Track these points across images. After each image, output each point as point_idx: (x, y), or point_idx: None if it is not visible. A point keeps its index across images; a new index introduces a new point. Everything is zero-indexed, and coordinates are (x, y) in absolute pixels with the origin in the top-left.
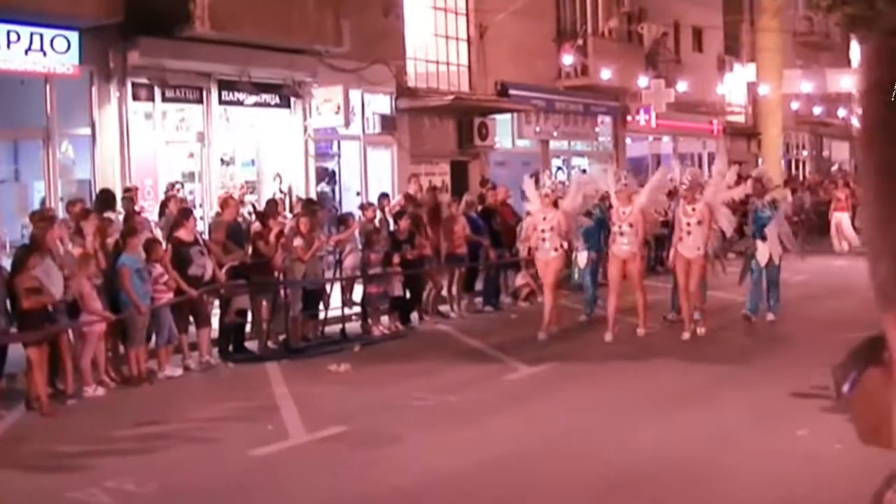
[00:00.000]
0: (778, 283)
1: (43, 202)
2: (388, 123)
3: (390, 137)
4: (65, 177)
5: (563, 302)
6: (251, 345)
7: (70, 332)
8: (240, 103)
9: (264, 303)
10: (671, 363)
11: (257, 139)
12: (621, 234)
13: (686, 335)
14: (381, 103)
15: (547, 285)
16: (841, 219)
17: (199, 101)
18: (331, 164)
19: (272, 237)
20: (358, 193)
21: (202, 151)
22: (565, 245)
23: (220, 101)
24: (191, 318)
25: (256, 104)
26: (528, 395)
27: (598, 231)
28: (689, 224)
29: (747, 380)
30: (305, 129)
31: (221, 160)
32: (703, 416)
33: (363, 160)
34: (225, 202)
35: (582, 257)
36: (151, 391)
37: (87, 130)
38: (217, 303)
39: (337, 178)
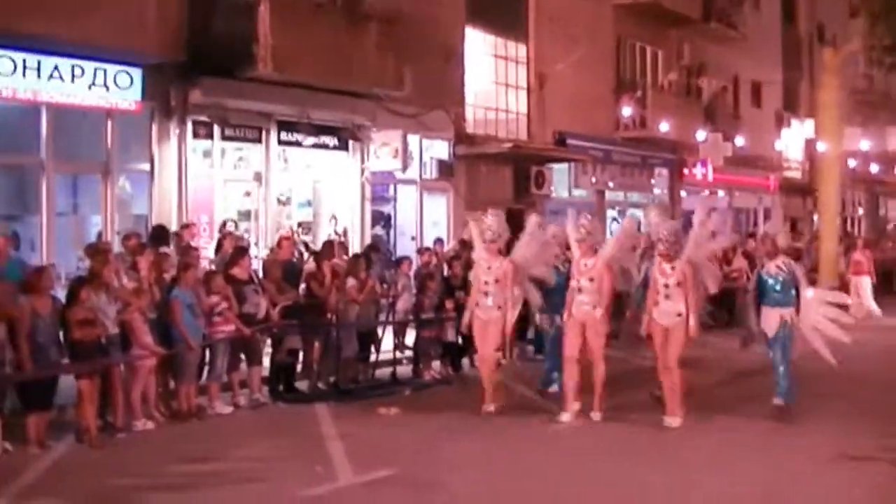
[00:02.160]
0: (783, 361)
1: (99, 236)
2: (445, 169)
3: (447, 183)
4: (122, 211)
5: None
6: (301, 385)
7: (122, 365)
8: (298, 144)
9: (316, 343)
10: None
11: (314, 180)
12: (580, 290)
13: (669, 421)
14: (438, 149)
15: (481, 356)
16: (859, 282)
17: (258, 140)
18: (387, 208)
19: (327, 278)
20: (413, 238)
21: (259, 190)
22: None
23: (279, 142)
24: (242, 356)
25: (315, 145)
26: (576, 445)
27: (564, 291)
28: (666, 286)
29: None
30: (363, 172)
31: (278, 200)
32: None
33: (419, 205)
34: (280, 242)
35: (541, 319)
36: (200, 427)
37: (145, 166)
38: (269, 341)
39: (392, 221)
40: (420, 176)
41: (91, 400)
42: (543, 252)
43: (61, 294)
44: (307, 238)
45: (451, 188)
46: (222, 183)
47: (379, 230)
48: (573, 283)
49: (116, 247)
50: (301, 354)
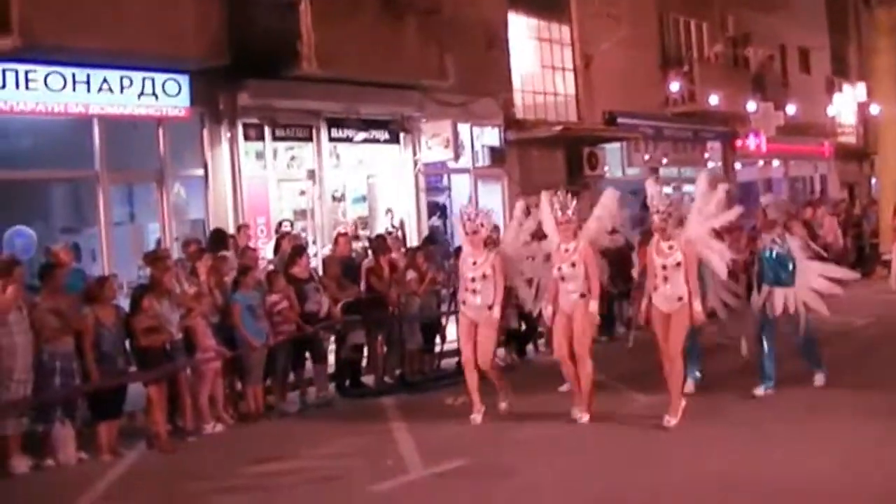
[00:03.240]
0: (813, 338)
1: (158, 243)
2: (497, 156)
3: (500, 170)
4: (179, 217)
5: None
6: (367, 379)
7: (188, 369)
8: (349, 140)
9: (380, 337)
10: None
11: (367, 175)
12: (563, 278)
13: (669, 419)
14: (489, 136)
15: (466, 359)
16: None
17: (309, 138)
18: (441, 198)
19: (385, 272)
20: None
21: (313, 189)
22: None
23: (330, 139)
24: (307, 354)
25: (366, 140)
26: (646, 427)
27: None
28: (664, 267)
29: None
30: (415, 164)
31: (333, 197)
32: None
33: (474, 193)
34: (337, 239)
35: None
36: (269, 427)
37: (199, 171)
38: (333, 339)
39: (448, 211)
40: (473, 164)
41: (160, 406)
42: (533, 243)
43: (124, 303)
44: (366, 233)
45: (505, 174)
46: (276, 183)
47: (435, 220)
48: (555, 272)
49: (175, 253)
50: (365, 349)
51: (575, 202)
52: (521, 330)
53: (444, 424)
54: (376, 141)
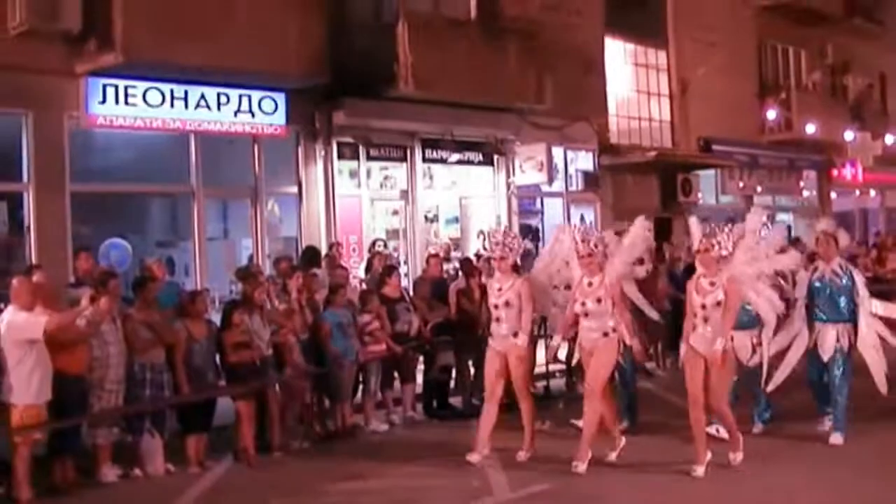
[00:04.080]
0: (844, 386)
1: (251, 259)
2: (590, 180)
3: (593, 194)
4: (272, 234)
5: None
6: (455, 401)
7: (277, 385)
8: (443, 161)
9: (468, 360)
10: None
11: (460, 196)
12: (586, 314)
13: (698, 470)
14: (583, 160)
15: (489, 391)
16: None
17: (403, 159)
18: (534, 221)
19: (476, 294)
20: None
21: (406, 209)
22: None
23: (424, 160)
24: (395, 374)
25: (459, 162)
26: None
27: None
28: (704, 306)
29: None
30: (509, 187)
31: (425, 217)
32: None
33: (566, 217)
34: (428, 259)
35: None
36: (356, 446)
37: (293, 189)
38: (421, 359)
39: (540, 235)
40: (566, 188)
41: (249, 420)
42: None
43: (216, 318)
44: (457, 254)
45: (598, 199)
46: (369, 202)
47: (527, 244)
48: (577, 307)
49: (267, 270)
50: (454, 371)
51: (600, 234)
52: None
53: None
54: (470, 162)
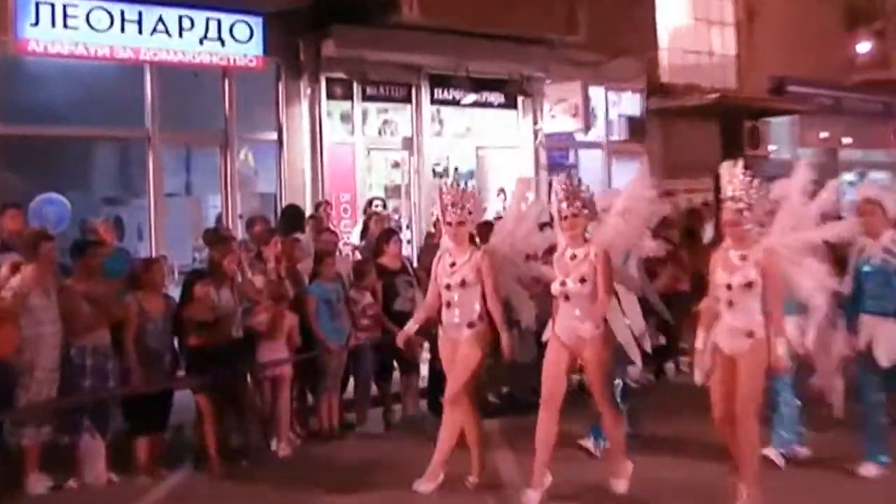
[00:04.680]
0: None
1: (219, 220)
2: (636, 128)
3: (639, 145)
4: (245, 190)
5: None
6: None
7: (248, 376)
8: (456, 103)
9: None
10: None
11: (476, 146)
12: (566, 297)
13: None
14: (627, 103)
15: (449, 395)
16: None
17: (407, 100)
18: None
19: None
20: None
21: (410, 160)
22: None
23: (433, 101)
24: (395, 364)
25: (476, 104)
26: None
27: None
28: (730, 286)
29: None
30: (536, 135)
31: (433, 171)
32: None
33: (606, 173)
34: (436, 223)
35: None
36: (345, 450)
37: (271, 135)
38: (427, 345)
39: None
40: (606, 137)
41: (212, 419)
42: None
43: (175, 291)
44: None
45: (645, 151)
46: (365, 152)
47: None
48: (556, 288)
49: (239, 233)
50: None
51: (587, 187)
52: (661, 344)
53: (561, 455)
54: (489, 105)
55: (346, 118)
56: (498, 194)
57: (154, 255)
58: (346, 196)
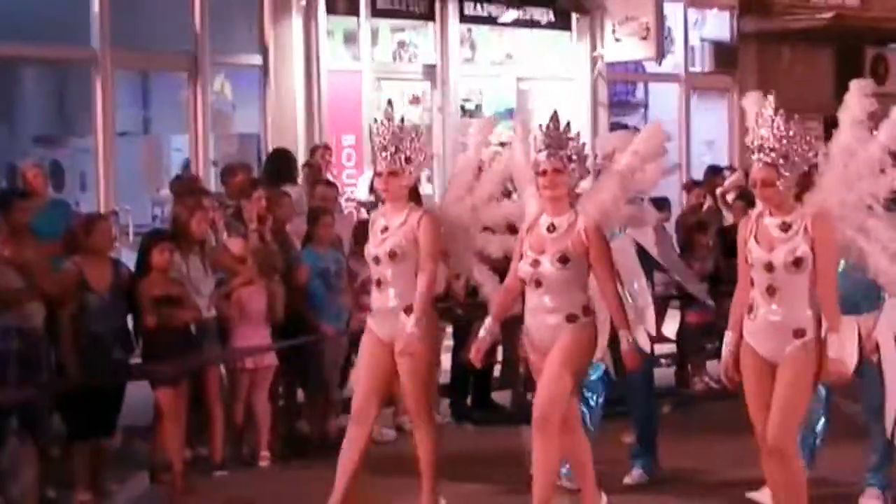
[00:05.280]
0: None
1: (186, 167)
2: (724, 57)
3: (728, 78)
4: (220, 129)
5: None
6: (501, 396)
7: (221, 366)
8: (492, 21)
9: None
10: None
11: (518, 77)
12: (538, 282)
13: None
14: (714, 24)
15: (356, 410)
16: None
17: (429, 16)
18: (633, 119)
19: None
20: (674, 166)
21: (432, 95)
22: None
23: (462, 18)
24: None
25: (517, 23)
26: None
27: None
28: (771, 267)
29: None
30: (595, 65)
31: (462, 108)
32: None
33: (684, 114)
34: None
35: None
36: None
37: (254, 59)
38: (450, 331)
39: None
40: (686, 68)
41: (175, 420)
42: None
43: (129, 258)
44: None
45: (736, 85)
46: (374, 83)
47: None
48: (523, 268)
49: (213, 185)
50: (500, 351)
51: (579, 139)
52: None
53: (611, 474)
54: (534, 24)
55: (350, 39)
56: None
57: (101, 210)
58: (349, 139)
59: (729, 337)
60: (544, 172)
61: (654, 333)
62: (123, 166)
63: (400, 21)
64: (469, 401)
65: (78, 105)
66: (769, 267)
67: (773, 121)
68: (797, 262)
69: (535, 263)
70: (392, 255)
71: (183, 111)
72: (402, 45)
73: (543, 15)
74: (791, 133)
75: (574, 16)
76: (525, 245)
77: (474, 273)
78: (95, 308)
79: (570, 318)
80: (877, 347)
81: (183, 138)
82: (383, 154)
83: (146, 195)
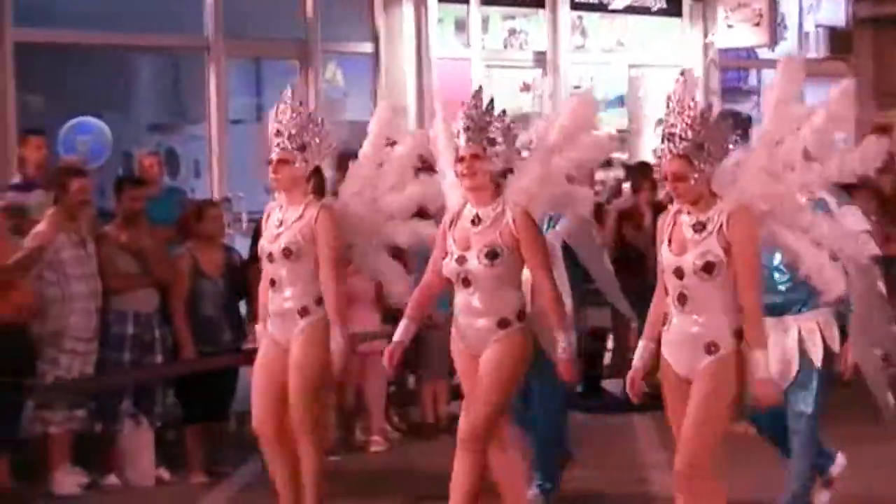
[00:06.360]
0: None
1: None
2: (839, 43)
3: (843, 65)
4: (332, 115)
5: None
6: (613, 384)
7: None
8: (603, 8)
9: (633, 322)
10: None
11: (629, 65)
12: (465, 281)
13: None
14: (829, 9)
15: (257, 418)
16: None
17: (540, 3)
18: (746, 106)
19: (646, 219)
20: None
21: (543, 81)
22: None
23: (573, 5)
24: None
25: (629, 9)
26: None
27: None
28: (680, 272)
29: None
30: (706, 51)
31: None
32: None
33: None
34: None
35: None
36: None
37: (365, 46)
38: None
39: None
40: (799, 54)
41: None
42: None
43: (243, 244)
44: (622, 156)
45: (850, 72)
46: (484, 71)
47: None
48: (449, 265)
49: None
50: (610, 337)
51: (504, 117)
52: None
53: (732, 461)
54: (646, 11)
55: (460, 26)
56: (656, 125)
57: (214, 197)
58: (458, 126)
59: (641, 346)
60: (462, 159)
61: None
62: (236, 153)
63: (510, 8)
64: (579, 388)
65: (192, 93)
66: (679, 273)
67: (685, 106)
68: (707, 268)
69: (461, 260)
70: (287, 253)
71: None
72: (512, 32)
73: (655, 1)
74: (707, 120)
75: (686, 2)
76: (449, 240)
77: (381, 270)
78: (208, 293)
79: (502, 324)
80: (855, 369)
81: None
82: (276, 140)
83: (259, 182)
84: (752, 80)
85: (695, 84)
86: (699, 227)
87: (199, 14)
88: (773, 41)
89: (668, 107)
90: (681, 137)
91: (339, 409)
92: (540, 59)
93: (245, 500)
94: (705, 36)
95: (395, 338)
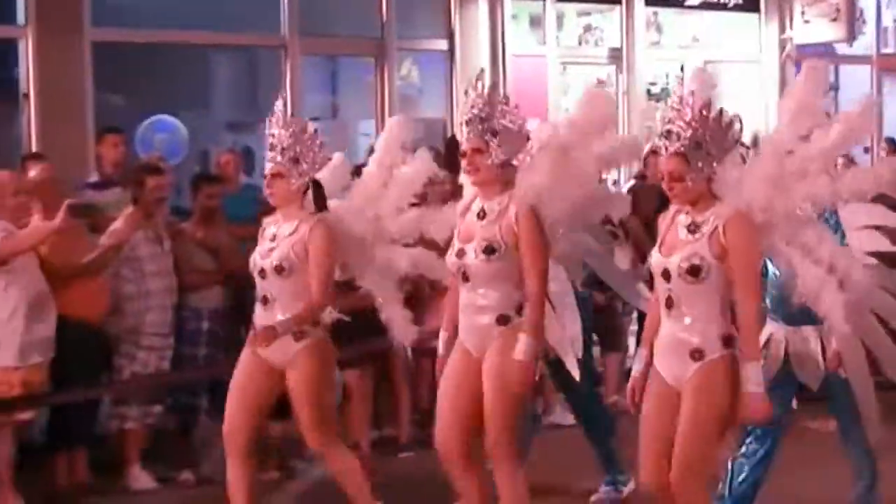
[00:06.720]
0: None
1: (371, 152)
2: None
3: None
4: (407, 112)
5: None
6: None
7: (408, 349)
8: (678, 4)
9: None
10: None
11: (705, 60)
12: (465, 276)
13: None
14: None
15: (227, 432)
16: None
17: (615, 0)
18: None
19: None
20: (866, 150)
21: (618, 78)
22: None
23: (648, 1)
24: (595, 337)
25: (705, 5)
26: None
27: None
28: (667, 275)
29: None
30: (783, 47)
31: (648, 92)
32: None
33: (875, 95)
34: (646, 160)
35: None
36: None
37: (440, 44)
38: (635, 316)
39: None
40: (877, 49)
41: (362, 402)
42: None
43: None
44: None
45: None
46: (560, 67)
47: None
48: (450, 258)
49: None
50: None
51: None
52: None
53: (804, 459)
54: (722, 7)
55: (535, 23)
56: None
57: None
58: (533, 124)
59: (638, 353)
60: (463, 154)
61: (579, 356)
62: None
63: (585, 5)
64: None
65: (268, 91)
66: (666, 275)
67: (684, 100)
68: (693, 271)
69: (461, 253)
70: (279, 270)
71: (370, 96)
72: (587, 28)
73: None
74: (706, 117)
75: None
76: (455, 232)
77: (377, 293)
78: None
79: (501, 320)
80: (841, 361)
81: (370, 123)
82: (270, 154)
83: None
84: (831, 76)
85: (710, 80)
86: (693, 227)
87: (276, 12)
88: (851, 36)
89: (666, 101)
90: (678, 135)
91: (414, 406)
92: (615, 55)
93: (319, 495)
94: (782, 31)
95: (440, 353)
